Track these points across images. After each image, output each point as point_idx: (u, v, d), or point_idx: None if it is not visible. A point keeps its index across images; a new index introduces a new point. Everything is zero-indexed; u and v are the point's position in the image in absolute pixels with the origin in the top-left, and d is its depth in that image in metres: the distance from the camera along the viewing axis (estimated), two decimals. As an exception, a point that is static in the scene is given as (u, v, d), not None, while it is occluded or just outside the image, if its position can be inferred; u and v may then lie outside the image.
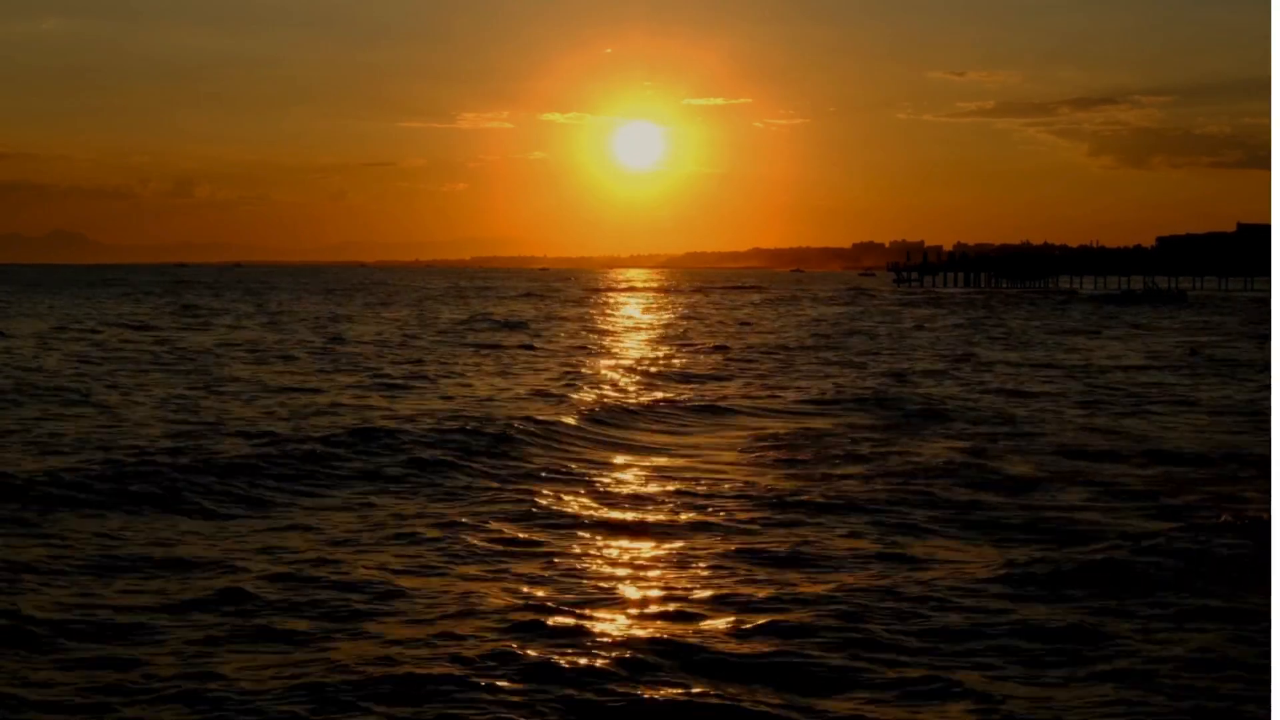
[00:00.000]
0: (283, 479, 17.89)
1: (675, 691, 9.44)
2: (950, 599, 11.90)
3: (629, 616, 11.41)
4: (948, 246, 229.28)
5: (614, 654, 10.23)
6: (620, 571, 13.13)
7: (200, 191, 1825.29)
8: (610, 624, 11.15)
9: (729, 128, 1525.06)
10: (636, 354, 46.08)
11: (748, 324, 70.49)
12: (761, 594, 12.06)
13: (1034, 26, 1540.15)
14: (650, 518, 15.80)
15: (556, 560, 13.52)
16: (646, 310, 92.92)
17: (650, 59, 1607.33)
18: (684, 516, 15.85)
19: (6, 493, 16.06)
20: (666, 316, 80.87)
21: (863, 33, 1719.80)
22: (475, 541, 14.30)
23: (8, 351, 41.60)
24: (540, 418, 24.51)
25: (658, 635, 10.76)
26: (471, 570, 13.09)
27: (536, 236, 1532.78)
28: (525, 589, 12.31)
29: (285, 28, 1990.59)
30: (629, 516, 15.86)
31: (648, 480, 18.74)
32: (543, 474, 19.19)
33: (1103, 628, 11.06)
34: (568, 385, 32.91)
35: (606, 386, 32.76)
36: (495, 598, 11.93)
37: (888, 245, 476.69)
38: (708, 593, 12.18)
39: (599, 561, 13.60)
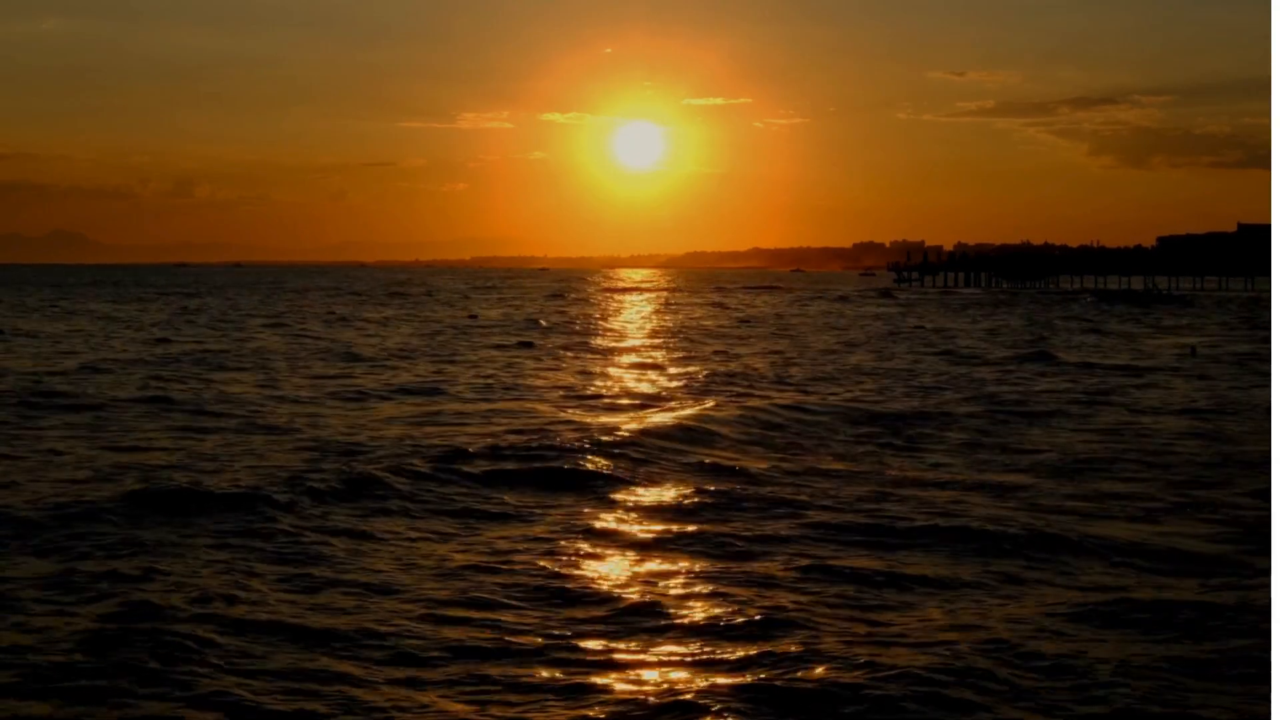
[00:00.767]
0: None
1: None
2: None
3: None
4: (948, 246, 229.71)
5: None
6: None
7: (200, 191, 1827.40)
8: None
9: (729, 128, 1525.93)
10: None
11: (880, 318, 67.84)
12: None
13: (1034, 26, 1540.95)
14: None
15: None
16: (729, 316, 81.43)
17: (650, 59, 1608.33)
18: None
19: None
20: (766, 325, 69.25)
21: (863, 33, 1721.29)
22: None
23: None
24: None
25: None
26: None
27: (536, 236, 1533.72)
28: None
29: (285, 28, 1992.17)
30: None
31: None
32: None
33: None
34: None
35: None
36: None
37: (888, 245, 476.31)
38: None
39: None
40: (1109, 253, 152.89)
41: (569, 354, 45.40)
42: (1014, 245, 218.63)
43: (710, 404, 27.76)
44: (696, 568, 13.29)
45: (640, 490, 17.78)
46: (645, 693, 9.60)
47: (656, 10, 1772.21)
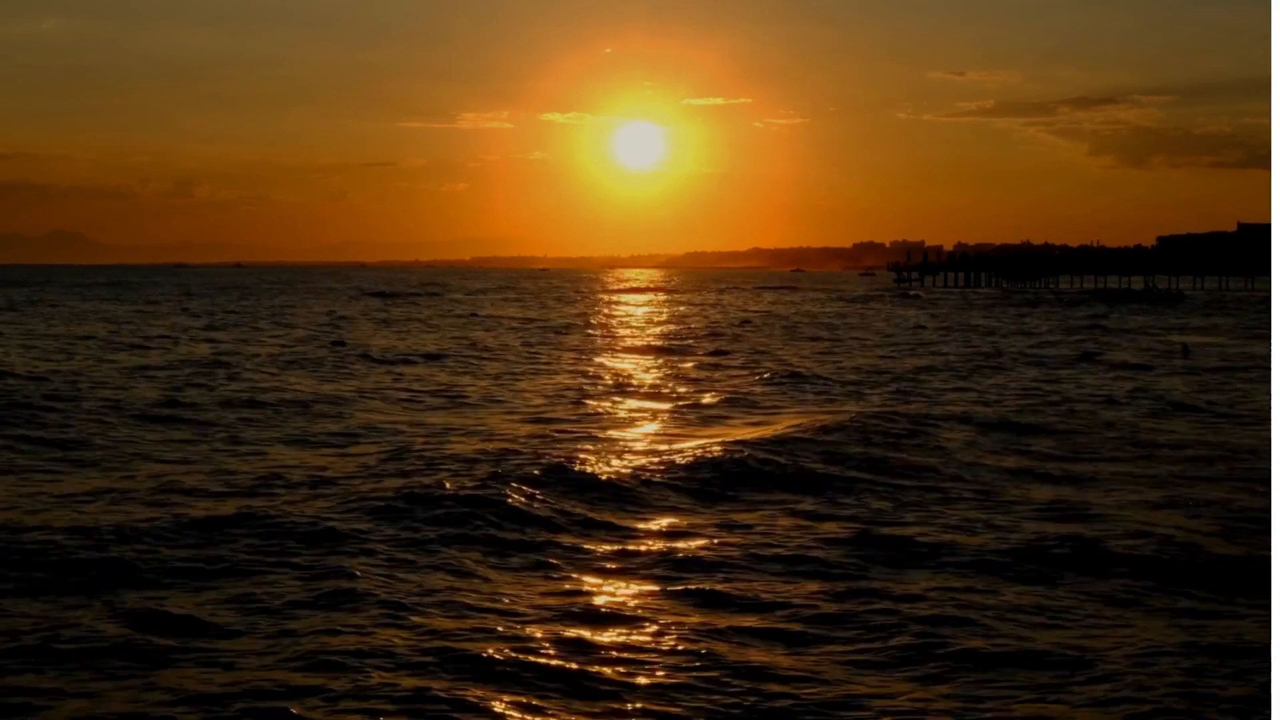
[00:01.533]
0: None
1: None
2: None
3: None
4: (948, 246, 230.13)
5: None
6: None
7: (200, 191, 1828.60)
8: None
9: (729, 128, 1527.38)
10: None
11: (923, 327, 63.90)
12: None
13: (1034, 26, 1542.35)
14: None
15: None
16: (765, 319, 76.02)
17: (650, 59, 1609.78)
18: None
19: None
20: (812, 329, 64.77)
21: (863, 33, 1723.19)
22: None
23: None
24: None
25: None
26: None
27: (536, 236, 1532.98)
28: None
29: (285, 28, 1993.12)
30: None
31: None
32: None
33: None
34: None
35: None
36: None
37: (888, 245, 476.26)
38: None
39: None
40: (1109, 253, 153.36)
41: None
42: (1014, 245, 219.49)
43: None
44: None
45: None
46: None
47: (656, 10, 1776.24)
